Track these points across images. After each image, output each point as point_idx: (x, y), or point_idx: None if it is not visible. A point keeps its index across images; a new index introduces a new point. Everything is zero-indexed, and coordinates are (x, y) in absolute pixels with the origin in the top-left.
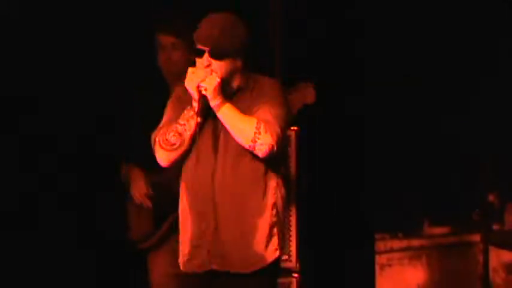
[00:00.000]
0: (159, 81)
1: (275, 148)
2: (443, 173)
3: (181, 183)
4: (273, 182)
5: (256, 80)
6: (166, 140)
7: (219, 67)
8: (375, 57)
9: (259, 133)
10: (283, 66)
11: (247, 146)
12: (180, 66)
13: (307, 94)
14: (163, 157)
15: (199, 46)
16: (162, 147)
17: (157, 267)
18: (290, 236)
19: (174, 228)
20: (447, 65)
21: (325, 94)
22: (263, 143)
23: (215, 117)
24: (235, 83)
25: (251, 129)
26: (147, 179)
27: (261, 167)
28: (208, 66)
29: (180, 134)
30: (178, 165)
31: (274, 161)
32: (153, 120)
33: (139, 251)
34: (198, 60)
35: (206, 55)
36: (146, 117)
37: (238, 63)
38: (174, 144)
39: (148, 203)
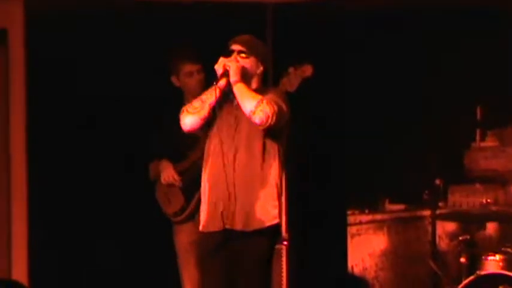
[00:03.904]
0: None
1: (270, 119)
2: (401, 163)
3: (204, 161)
4: (276, 165)
5: (266, 88)
6: (191, 105)
7: (244, 63)
8: None
9: (261, 103)
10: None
11: (248, 112)
12: (201, 86)
13: (305, 70)
14: (187, 121)
15: (233, 46)
16: (187, 112)
17: (182, 236)
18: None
19: (199, 204)
20: None
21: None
22: (262, 110)
23: (235, 112)
24: (254, 85)
25: (255, 100)
26: (174, 167)
27: (268, 150)
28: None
29: (202, 101)
30: (198, 143)
31: (275, 142)
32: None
33: (171, 222)
34: (228, 57)
35: (235, 54)
36: (172, 124)
37: (260, 68)
38: (197, 107)
39: (178, 183)
